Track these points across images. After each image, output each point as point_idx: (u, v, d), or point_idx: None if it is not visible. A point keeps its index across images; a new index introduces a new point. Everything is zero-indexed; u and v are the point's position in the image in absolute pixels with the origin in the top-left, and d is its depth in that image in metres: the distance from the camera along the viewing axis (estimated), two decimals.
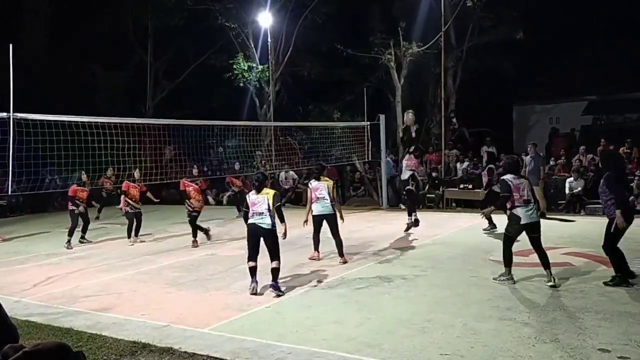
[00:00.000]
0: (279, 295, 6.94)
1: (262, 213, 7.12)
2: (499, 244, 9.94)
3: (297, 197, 18.59)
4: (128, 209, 11.79)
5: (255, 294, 7.04)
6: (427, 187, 17.03)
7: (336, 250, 9.03)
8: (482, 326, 5.46)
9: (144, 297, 7.25)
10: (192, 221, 11.28)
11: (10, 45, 8.22)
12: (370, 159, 17.32)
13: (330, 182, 9.17)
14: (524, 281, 7.18)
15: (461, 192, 16.08)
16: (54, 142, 9.67)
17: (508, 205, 7.12)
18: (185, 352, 5.09)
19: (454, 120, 20.39)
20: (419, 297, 6.68)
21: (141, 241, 11.89)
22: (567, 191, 14.32)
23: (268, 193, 7.25)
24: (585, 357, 4.63)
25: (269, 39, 20.03)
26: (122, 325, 5.99)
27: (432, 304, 6.32)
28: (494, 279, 7.25)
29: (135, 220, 11.82)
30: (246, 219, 7.31)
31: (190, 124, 13.21)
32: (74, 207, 11.91)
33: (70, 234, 11.74)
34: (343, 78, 22.40)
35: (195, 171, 12.68)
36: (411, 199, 10.78)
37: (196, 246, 11.08)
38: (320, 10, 20.86)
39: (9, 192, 9.78)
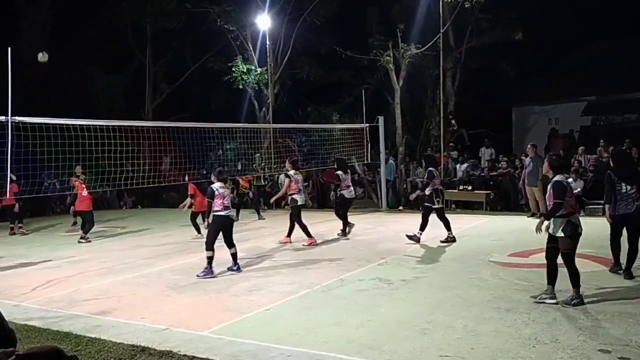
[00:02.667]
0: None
1: (229, 206, 8.32)
2: (498, 245, 9.98)
3: None
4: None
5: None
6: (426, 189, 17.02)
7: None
8: (482, 327, 5.45)
9: (143, 301, 7.23)
10: (193, 218, 12.32)
11: (9, 49, 8.21)
12: (369, 161, 17.32)
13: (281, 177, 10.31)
14: (523, 282, 7.16)
15: (461, 194, 16.07)
16: (52, 146, 9.65)
17: (564, 211, 5.98)
18: (185, 355, 5.07)
19: (453, 121, 20.42)
20: (419, 298, 6.67)
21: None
22: None
23: (228, 188, 8.62)
24: (585, 358, 4.61)
25: (268, 42, 20.04)
26: (122, 329, 5.96)
27: (432, 306, 6.30)
28: (563, 303, 6.03)
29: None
30: (210, 211, 8.25)
31: (189, 127, 13.20)
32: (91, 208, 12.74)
33: (87, 231, 12.69)
34: (342, 80, 22.44)
35: (187, 178, 12.82)
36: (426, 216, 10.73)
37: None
38: (318, 13, 20.91)
39: (8, 196, 9.78)
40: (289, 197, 10.83)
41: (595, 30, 22.23)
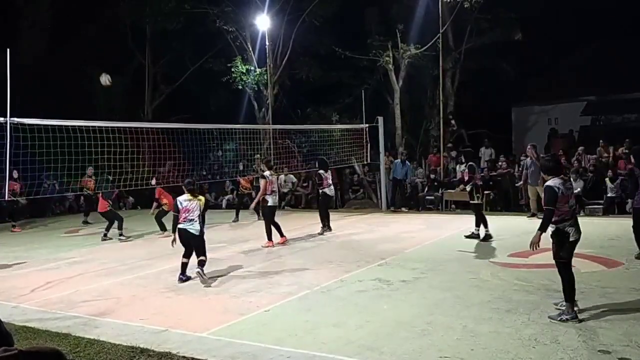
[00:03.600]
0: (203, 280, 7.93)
1: (193, 219, 8.01)
2: (498, 245, 9.96)
3: (296, 200, 18.58)
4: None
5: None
6: (426, 189, 17.02)
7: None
8: (482, 328, 5.44)
9: (142, 302, 7.21)
10: (159, 217, 12.90)
11: (8, 50, 8.21)
12: (369, 161, 17.31)
13: (276, 177, 10.83)
14: (523, 282, 7.15)
15: (460, 194, 16.00)
16: (51, 147, 9.64)
17: (554, 218, 5.61)
18: (184, 356, 5.06)
19: (453, 121, 20.40)
20: (419, 299, 6.65)
21: None
22: None
23: (200, 199, 8.12)
24: (585, 359, 4.60)
25: (267, 42, 20.03)
26: (121, 330, 5.95)
27: (432, 307, 6.29)
28: (549, 317, 5.61)
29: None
30: (177, 222, 8.08)
31: (188, 128, 13.20)
32: (110, 207, 12.95)
33: (120, 227, 13.04)
34: (341, 80, 22.43)
35: (153, 181, 12.97)
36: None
37: None
38: (317, 13, 20.89)
39: (6, 198, 9.77)
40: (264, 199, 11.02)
41: (594, 30, 22.24)
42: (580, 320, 5.50)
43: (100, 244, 12.68)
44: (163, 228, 12.95)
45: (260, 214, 12.36)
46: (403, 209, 16.43)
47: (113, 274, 9.12)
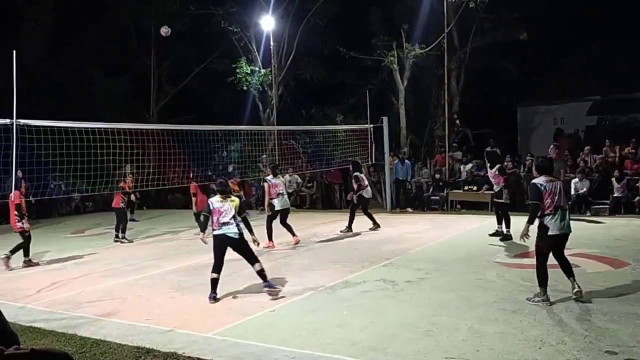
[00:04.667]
0: (275, 293, 7.01)
1: (228, 222, 7.01)
2: (504, 245, 9.93)
3: (301, 201, 18.58)
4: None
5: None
6: (431, 189, 16.99)
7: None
8: (487, 329, 5.42)
9: (147, 302, 7.23)
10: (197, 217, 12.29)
11: (14, 52, 8.24)
12: (373, 161, 17.28)
13: (284, 179, 10.61)
14: (528, 283, 7.12)
15: (466, 194, 16.00)
16: (57, 148, 9.68)
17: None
18: (190, 357, 5.07)
19: (458, 121, 20.34)
20: (424, 300, 6.64)
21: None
22: (572, 192, 14.25)
23: (234, 201, 7.22)
24: None
25: (272, 43, 20.04)
26: (126, 331, 5.97)
27: (437, 307, 6.27)
28: (527, 299, 6.26)
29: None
30: (206, 223, 7.36)
31: (193, 129, 13.22)
32: (124, 205, 12.93)
33: (124, 230, 12.87)
34: (346, 81, 22.41)
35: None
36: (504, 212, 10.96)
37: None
38: (322, 14, 20.89)
39: (12, 198, 9.81)
40: (269, 203, 11.06)
41: (599, 29, 22.13)
42: (552, 303, 6.12)
43: (104, 244, 12.70)
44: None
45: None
46: (408, 209, 16.41)
47: (118, 275, 9.15)
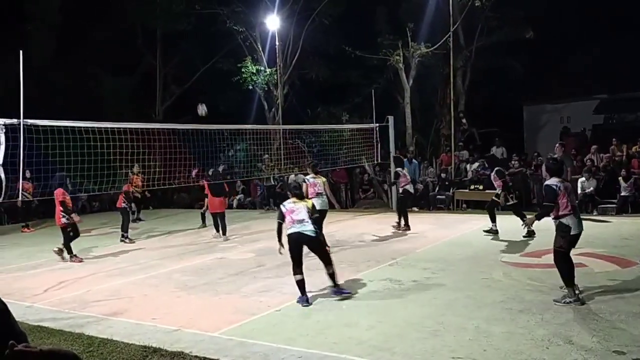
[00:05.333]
0: (346, 298, 6.75)
1: (303, 220, 6.75)
2: (510, 245, 9.90)
3: None
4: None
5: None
6: (437, 189, 16.96)
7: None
8: (494, 329, 5.41)
9: (154, 302, 7.25)
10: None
11: (21, 52, 8.28)
12: (379, 160, 17.26)
13: (324, 179, 10.28)
14: (535, 282, 7.10)
15: (472, 193, 15.96)
16: (64, 148, 9.72)
17: (552, 215, 6.25)
18: (196, 356, 5.08)
19: (464, 120, 20.29)
20: (430, 299, 6.63)
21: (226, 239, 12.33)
22: (579, 191, 14.19)
23: (307, 202, 7.07)
24: None
25: (277, 42, 20.05)
26: (133, 330, 5.99)
27: (444, 307, 6.26)
28: (554, 301, 6.11)
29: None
30: (280, 230, 6.94)
31: (199, 129, 13.24)
32: (126, 205, 12.93)
33: (126, 229, 12.83)
34: (351, 80, 22.39)
35: (194, 172, 12.91)
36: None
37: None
38: (327, 13, 20.88)
39: (20, 198, 9.86)
40: None
41: (606, 27, 22.01)
42: (583, 303, 6.00)
43: (111, 243, 12.74)
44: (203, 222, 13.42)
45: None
46: (414, 208, 16.39)
47: (125, 274, 9.18)
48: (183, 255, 10.73)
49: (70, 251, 10.53)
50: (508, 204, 11.32)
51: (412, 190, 12.90)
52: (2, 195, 8.38)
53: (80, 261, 10.43)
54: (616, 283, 6.91)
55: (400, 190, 12.67)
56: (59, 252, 10.59)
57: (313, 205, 6.99)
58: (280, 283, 7.84)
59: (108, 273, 9.36)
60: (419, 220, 13.93)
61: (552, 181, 6.31)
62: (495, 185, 11.43)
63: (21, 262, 10.87)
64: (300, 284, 6.68)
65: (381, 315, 6.09)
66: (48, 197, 10.60)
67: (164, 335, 5.72)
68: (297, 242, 6.71)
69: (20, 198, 10.73)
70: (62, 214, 10.35)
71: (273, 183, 18.31)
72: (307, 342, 5.34)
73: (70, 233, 10.57)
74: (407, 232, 12.07)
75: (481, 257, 8.93)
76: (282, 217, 6.88)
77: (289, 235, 6.76)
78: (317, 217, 6.93)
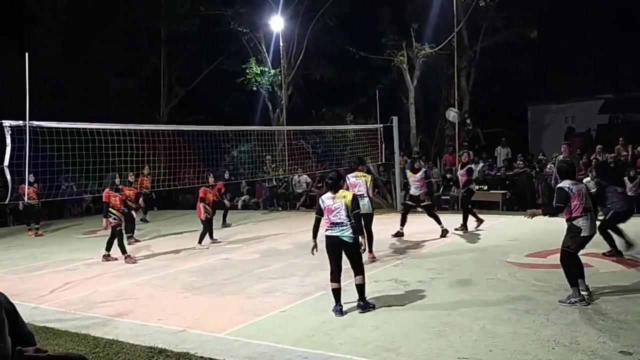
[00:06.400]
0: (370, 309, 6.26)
1: (342, 223, 6.17)
2: (515, 245, 9.87)
3: (311, 201, 18.58)
4: (208, 215, 11.80)
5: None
6: (441, 189, 16.93)
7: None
8: (500, 329, 5.40)
9: (160, 303, 7.27)
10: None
11: (27, 54, 8.31)
12: (383, 161, 17.25)
13: (368, 177, 8.96)
14: (540, 283, 7.08)
15: (477, 194, 15.90)
16: (69, 150, 9.76)
17: (565, 216, 6.26)
18: (202, 357, 5.09)
19: (468, 121, 20.26)
20: (435, 300, 6.62)
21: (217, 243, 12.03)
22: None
23: (345, 196, 6.28)
24: None
25: (281, 43, 20.08)
26: (139, 331, 6.01)
27: (449, 307, 6.25)
28: (559, 301, 6.14)
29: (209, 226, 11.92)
30: (317, 226, 6.39)
31: (204, 129, 13.28)
32: (124, 208, 12.50)
33: (129, 230, 12.54)
34: (355, 81, 22.42)
35: (211, 179, 12.49)
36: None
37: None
38: (331, 14, 20.91)
39: (25, 200, 9.91)
40: None
41: (611, 26, 21.96)
42: (588, 303, 6.02)
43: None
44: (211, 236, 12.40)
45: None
46: (418, 208, 16.38)
47: (130, 275, 9.21)
48: (188, 256, 10.75)
49: (124, 250, 10.55)
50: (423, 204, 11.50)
51: (475, 190, 12.45)
52: (8, 196, 8.42)
53: (134, 262, 10.36)
54: (622, 283, 6.89)
55: (465, 188, 12.08)
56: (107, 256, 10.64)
57: (354, 198, 6.27)
58: (285, 284, 7.84)
59: (114, 274, 9.39)
60: (423, 221, 13.90)
61: (565, 183, 6.30)
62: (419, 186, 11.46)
63: (27, 263, 10.92)
64: (336, 293, 6.19)
65: (386, 315, 6.08)
66: (54, 198, 10.64)
67: (169, 336, 5.74)
68: (334, 246, 6.19)
69: (23, 201, 10.77)
70: (110, 214, 10.52)
71: (275, 184, 18.31)
72: (312, 342, 5.34)
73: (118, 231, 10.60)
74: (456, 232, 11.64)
75: (486, 258, 8.92)
76: (320, 212, 6.34)
77: (328, 237, 6.24)
78: (358, 212, 6.27)
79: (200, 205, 11.67)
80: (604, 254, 8.57)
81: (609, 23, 21.91)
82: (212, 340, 5.56)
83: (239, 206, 19.52)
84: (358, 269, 6.29)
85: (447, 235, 11.28)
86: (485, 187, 15.56)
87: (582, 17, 21.77)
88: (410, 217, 12.73)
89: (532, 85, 23.39)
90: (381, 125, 16.79)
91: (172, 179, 12.54)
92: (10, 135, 8.16)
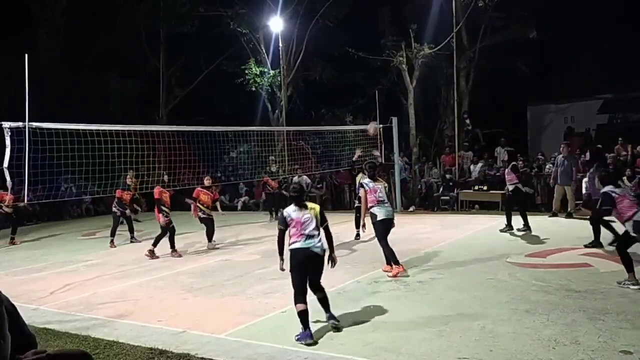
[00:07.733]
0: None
1: (313, 235, 5.69)
2: (515, 245, 9.88)
3: (311, 201, 18.56)
4: (200, 214, 11.75)
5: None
6: (441, 189, 16.93)
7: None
8: (500, 329, 5.40)
9: (160, 304, 7.27)
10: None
11: (26, 55, 8.31)
12: (383, 162, 17.23)
13: (385, 183, 8.68)
14: (541, 283, 7.08)
15: (476, 194, 15.92)
16: (69, 151, 9.76)
17: (621, 219, 6.76)
18: (203, 358, 5.09)
19: (468, 121, 20.26)
20: (436, 300, 6.62)
21: (216, 247, 11.67)
22: (583, 191, 14.12)
23: (313, 208, 5.88)
24: None
25: (281, 44, 20.08)
26: (139, 332, 6.00)
27: (449, 307, 6.25)
28: (618, 282, 6.70)
29: (209, 225, 11.72)
30: (283, 240, 5.89)
31: (203, 130, 13.27)
32: (117, 210, 12.75)
33: (112, 234, 12.71)
34: (355, 81, 22.42)
35: (207, 181, 12.22)
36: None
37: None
38: (331, 14, 20.92)
39: (26, 201, 9.90)
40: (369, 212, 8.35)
41: (610, 27, 21.98)
42: None
43: (117, 247, 12.76)
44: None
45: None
46: (410, 208, 16.44)
47: (130, 276, 9.20)
48: (188, 257, 10.75)
49: (173, 246, 10.80)
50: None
51: (524, 190, 11.85)
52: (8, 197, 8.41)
53: (180, 256, 10.68)
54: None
55: (511, 187, 11.35)
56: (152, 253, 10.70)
57: (321, 212, 5.86)
58: (285, 284, 7.79)
59: (114, 275, 9.39)
60: (423, 221, 13.92)
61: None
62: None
63: (27, 264, 10.91)
64: (303, 316, 5.42)
65: (387, 316, 6.08)
66: (53, 199, 10.64)
67: (170, 337, 5.73)
68: (305, 260, 5.61)
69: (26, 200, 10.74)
70: (161, 212, 10.72)
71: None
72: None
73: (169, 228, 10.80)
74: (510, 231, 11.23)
75: (486, 258, 8.92)
76: (285, 225, 5.82)
77: (295, 251, 5.67)
78: (327, 225, 5.88)
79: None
80: (585, 245, 8.98)
81: (608, 23, 21.92)
82: (213, 341, 5.56)
83: (239, 207, 19.52)
84: (319, 284, 5.80)
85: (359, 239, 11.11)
86: (485, 188, 15.55)
87: (581, 17, 21.77)
88: (410, 218, 12.79)
89: (532, 85, 23.38)
90: (381, 125, 16.79)
91: (172, 180, 12.52)
92: (10, 136, 8.16)
